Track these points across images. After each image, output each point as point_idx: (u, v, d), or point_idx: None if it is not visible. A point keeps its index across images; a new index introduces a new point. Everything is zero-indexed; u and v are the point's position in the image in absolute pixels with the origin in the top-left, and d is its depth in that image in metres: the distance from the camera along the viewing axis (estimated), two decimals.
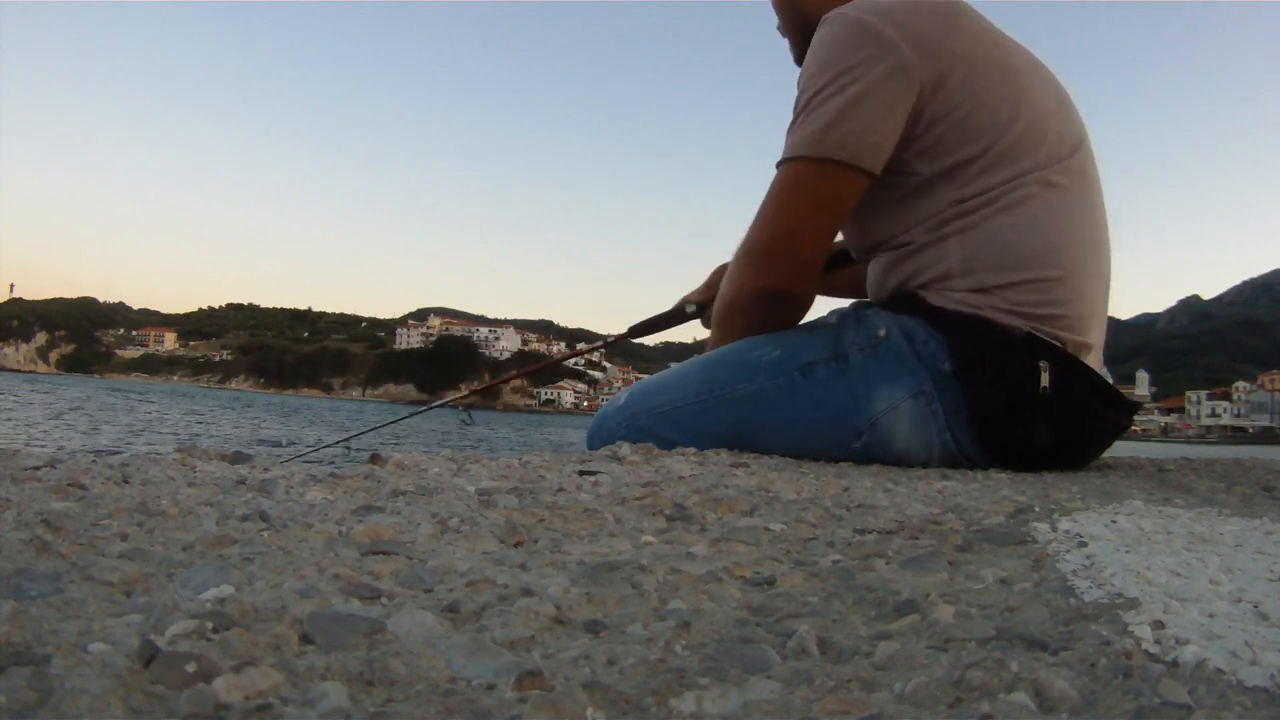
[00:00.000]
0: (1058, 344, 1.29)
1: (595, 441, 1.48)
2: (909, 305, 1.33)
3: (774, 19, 1.60)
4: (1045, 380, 1.25)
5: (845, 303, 1.51)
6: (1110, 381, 1.37)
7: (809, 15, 1.46)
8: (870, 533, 0.73)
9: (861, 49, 1.27)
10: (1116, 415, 1.36)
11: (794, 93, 1.35)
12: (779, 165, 1.34)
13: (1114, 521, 0.79)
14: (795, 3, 1.53)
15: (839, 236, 1.51)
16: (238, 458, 0.96)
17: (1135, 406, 1.42)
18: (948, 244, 1.31)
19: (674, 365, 1.54)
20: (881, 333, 1.31)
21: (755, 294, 1.38)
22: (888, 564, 0.62)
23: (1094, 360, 1.36)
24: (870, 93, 1.25)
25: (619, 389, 1.59)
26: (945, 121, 1.28)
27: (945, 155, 1.30)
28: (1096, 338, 1.36)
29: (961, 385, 1.27)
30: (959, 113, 1.28)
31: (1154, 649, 0.40)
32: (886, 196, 1.36)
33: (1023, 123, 1.30)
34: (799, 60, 1.49)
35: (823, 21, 1.35)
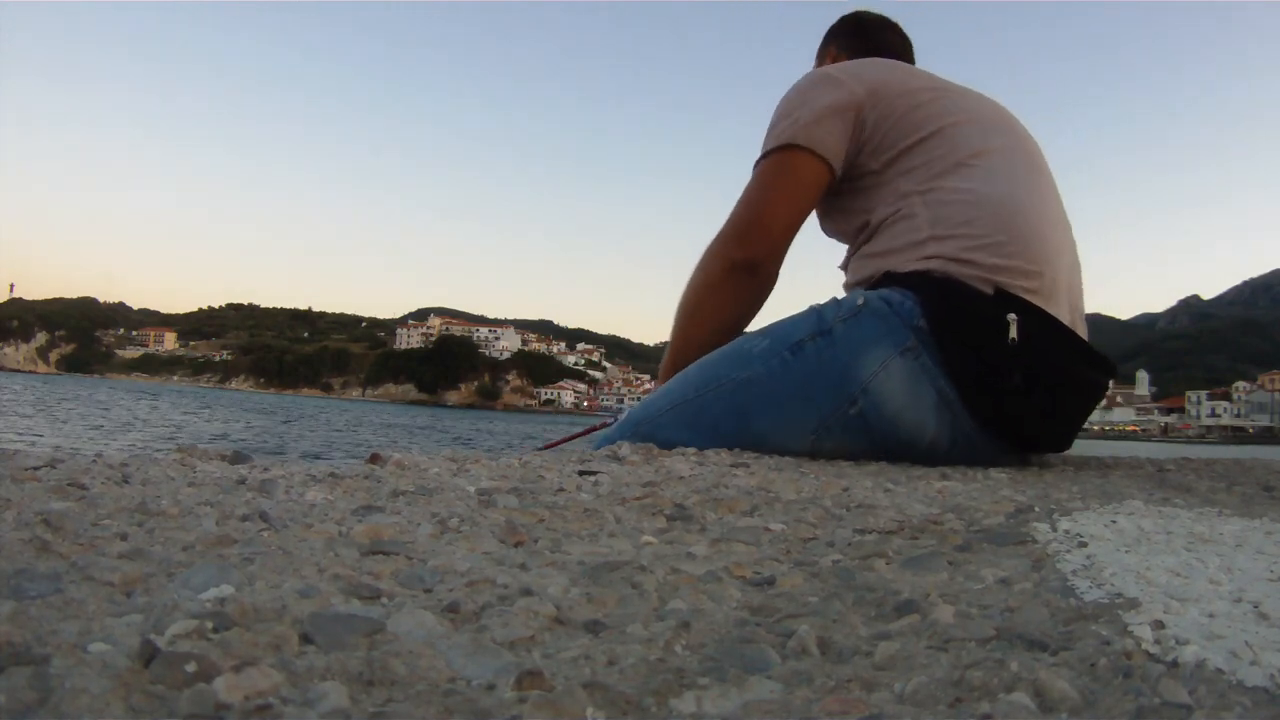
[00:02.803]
0: (1024, 294, 1.35)
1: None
2: (882, 281, 1.43)
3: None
4: (1014, 332, 1.31)
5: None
6: (1085, 338, 1.42)
7: None
8: (870, 533, 0.73)
9: (815, 86, 1.58)
10: (1093, 374, 1.40)
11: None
12: (755, 165, 1.56)
13: (1114, 521, 0.79)
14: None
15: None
16: (238, 458, 0.96)
17: (1111, 366, 1.45)
18: (914, 211, 1.44)
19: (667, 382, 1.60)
20: (860, 302, 1.39)
21: (730, 265, 1.52)
22: (888, 564, 0.62)
23: (1054, 298, 1.41)
24: (819, 106, 1.53)
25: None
26: (887, 122, 1.52)
27: (891, 147, 1.51)
28: (1068, 318, 1.42)
29: (937, 342, 1.33)
30: (897, 114, 1.51)
31: (1154, 649, 0.40)
32: (855, 201, 1.56)
33: (954, 115, 1.52)
34: None
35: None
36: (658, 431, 1.46)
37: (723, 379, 1.43)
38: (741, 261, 1.53)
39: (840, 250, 1.71)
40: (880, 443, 1.36)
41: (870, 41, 1.82)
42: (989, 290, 1.34)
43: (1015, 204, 1.42)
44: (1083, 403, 1.43)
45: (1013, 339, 1.30)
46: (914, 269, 1.40)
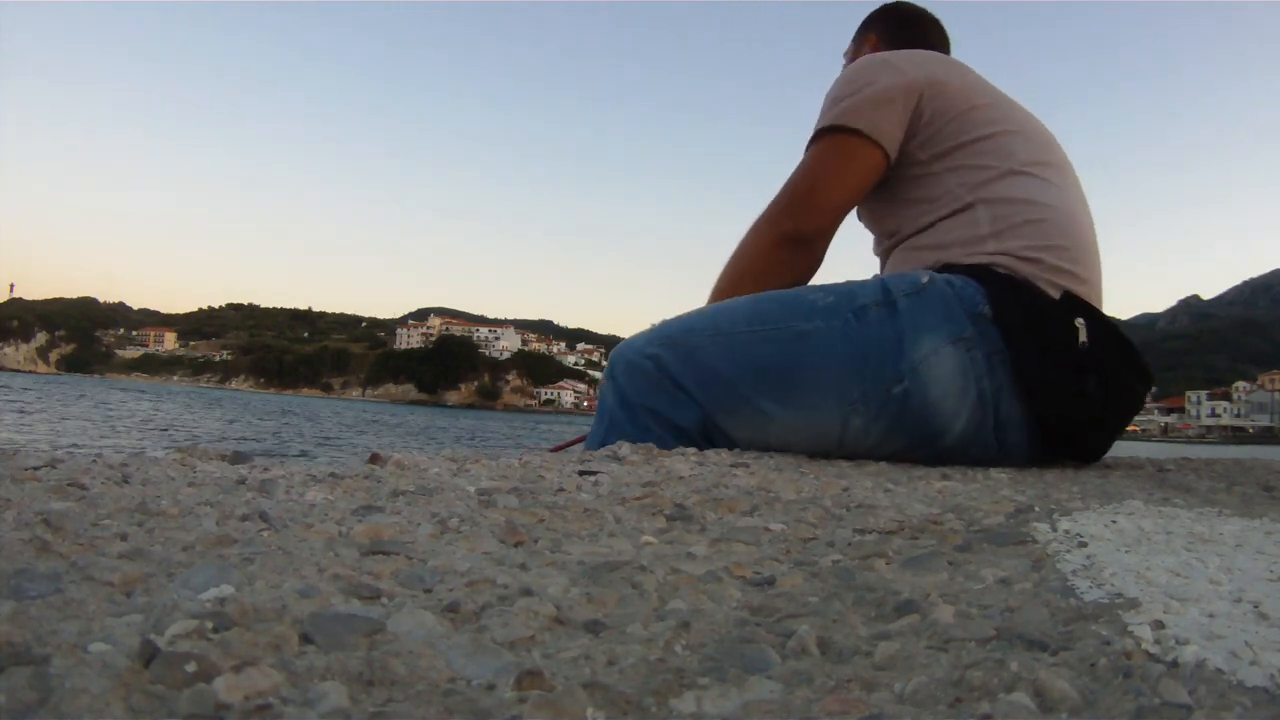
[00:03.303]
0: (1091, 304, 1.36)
1: (615, 369, 1.48)
2: (940, 271, 1.41)
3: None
4: (1084, 335, 1.31)
5: None
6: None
7: None
8: (870, 533, 0.73)
9: (874, 69, 1.56)
10: (1137, 384, 1.39)
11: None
12: (808, 145, 1.56)
13: (1114, 521, 0.79)
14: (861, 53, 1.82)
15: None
16: (238, 458, 0.96)
17: (1151, 377, 1.44)
18: (975, 210, 1.45)
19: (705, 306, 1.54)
20: (925, 279, 1.36)
21: (781, 236, 1.52)
22: (888, 564, 0.62)
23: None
24: (879, 88, 1.52)
25: None
26: (943, 117, 1.51)
27: (941, 143, 1.51)
28: (1098, 291, 1.46)
29: (1001, 332, 1.32)
30: (954, 111, 1.51)
31: (1154, 649, 0.40)
32: (899, 189, 1.56)
33: (1008, 123, 1.53)
34: None
35: (852, 63, 1.65)
36: (695, 352, 1.40)
37: (781, 323, 1.38)
38: (793, 233, 1.52)
39: (867, 237, 1.72)
40: (908, 429, 1.33)
41: (912, 32, 1.79)
42: (1055, 293, 1.35)
43: (1072, 215, 1.45)
44: (1128, 412, 1.43)
45: (1083, 343, 1.30)
46: (976, 262, 1.39)
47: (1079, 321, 1.31)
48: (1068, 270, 1.38)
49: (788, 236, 1.52)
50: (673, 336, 1.44)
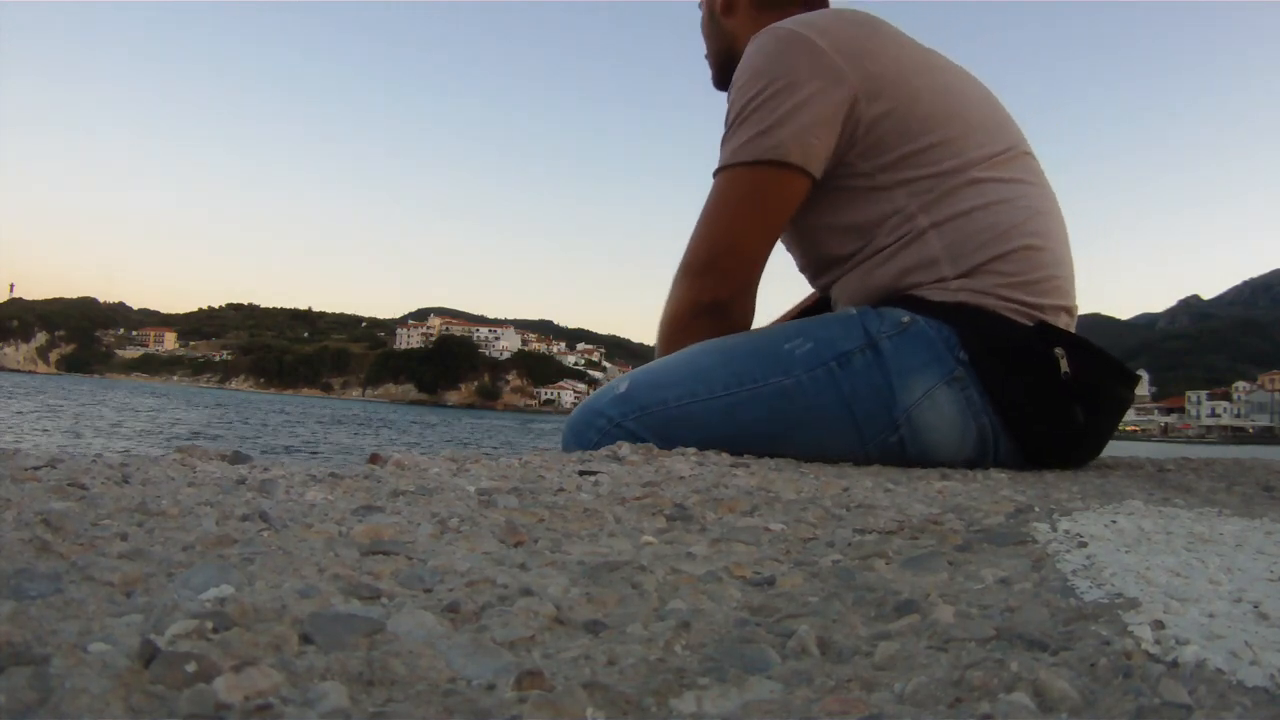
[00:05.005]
0: (1064, 328, 1.31)
1: (585, 440, 1.35)
2: (909, 304, 1.31)
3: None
4: (1065, 366, 1.26)
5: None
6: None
7: (734, 44, 1.52)
8: (870, 533, 0.73)
9: (793, 57, 1.31)
10: (1124, 390, 1.37)
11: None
12: (715, 175, 1.35)
13: (1114, 521, 0.79)
14: (721, 31, 1.59)
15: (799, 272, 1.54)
16: (237, 458, 0.96)
17: (1136, 379, 1.41)
18: (926, 237, 1.31)
19: (672, 356, 1.40)
20: (905, 319, 1.28)
21: (699, 308, 1.37)
22: (888, 564, 0.62)
23: (1073, 326, 1.39)
24: (806, 98, 1.29)
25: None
26: (886, 120, 1.31)
27: (888, 151, 1.32)
28: (1075, 303, 1.40)
29: (979, 375, 1.26)
30: (897, 112, 1.31)
31: (1154, 649, 0.40)
32: (838, 207, 1.37)
33: (958, 118, 1.35)
34: (718, 84, 1.60)
35: (754, 38, 1.39)
36: (671, 423, 1.29)
37: (759, 380, 1.28)
38: (710, 304, 1.36)
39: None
40: (912, 465, 1.29)
41: None
42: (1029, 323, 1.28)
43: (1041, 233, 1.34)
44: (1117, 420, 1.41)
45: (1066, 373, 1.25)
46: (944, 300, 1.29)
47: (1058, 351, 1.26)
48: (1043, 304, 1.31)
49: (705, 308, 1.36)
50: (645, 406, 1.32)
